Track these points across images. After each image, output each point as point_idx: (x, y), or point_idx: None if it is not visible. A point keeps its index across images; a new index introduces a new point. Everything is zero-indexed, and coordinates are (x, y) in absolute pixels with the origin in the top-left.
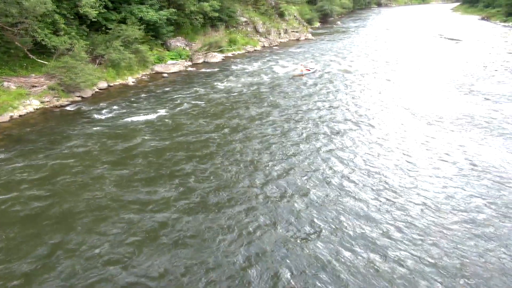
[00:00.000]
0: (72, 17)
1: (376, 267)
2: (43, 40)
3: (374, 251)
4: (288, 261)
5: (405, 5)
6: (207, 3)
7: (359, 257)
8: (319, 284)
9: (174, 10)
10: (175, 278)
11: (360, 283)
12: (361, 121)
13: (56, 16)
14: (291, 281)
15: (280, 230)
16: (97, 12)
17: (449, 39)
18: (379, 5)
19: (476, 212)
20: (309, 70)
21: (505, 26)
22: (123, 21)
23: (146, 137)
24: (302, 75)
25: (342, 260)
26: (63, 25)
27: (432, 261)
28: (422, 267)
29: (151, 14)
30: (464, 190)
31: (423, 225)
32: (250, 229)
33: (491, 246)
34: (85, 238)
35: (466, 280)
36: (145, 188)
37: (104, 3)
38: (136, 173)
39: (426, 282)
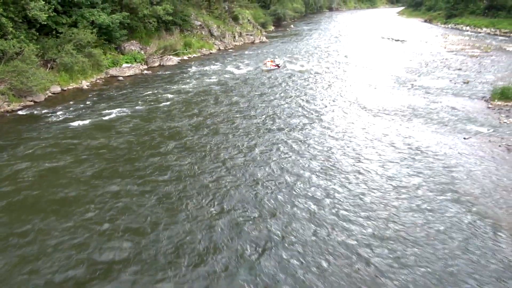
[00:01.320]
0: (21, 20)
1: (324, 237)
2: None
3: (321, 226)
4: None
5: (354, 9)
6: (160, 7)
7: (307, 232)
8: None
9: (127, 13)
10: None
11: (313, 254)
12: (312, 114)
13: (3, 20)
14: None
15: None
16: (46, 15)
17: (395, 40)
18: (330, 9)
19: (414, 188)
20: (275, 65)
21: (445, 27)
22: (74, 25)
23: (100, 137)
24: (270, 69)
25: (292, 235)
26: (11, 29)
27: (375, 231)
28: (366, 238)
29: (103, 18)
30: (404, 169)
31: (367, 201)
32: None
33: (427, 216)
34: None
35: (404, 246)
36: (100, 182)
37: (53, 6)
38: (90, 170)
39: (370, 250)
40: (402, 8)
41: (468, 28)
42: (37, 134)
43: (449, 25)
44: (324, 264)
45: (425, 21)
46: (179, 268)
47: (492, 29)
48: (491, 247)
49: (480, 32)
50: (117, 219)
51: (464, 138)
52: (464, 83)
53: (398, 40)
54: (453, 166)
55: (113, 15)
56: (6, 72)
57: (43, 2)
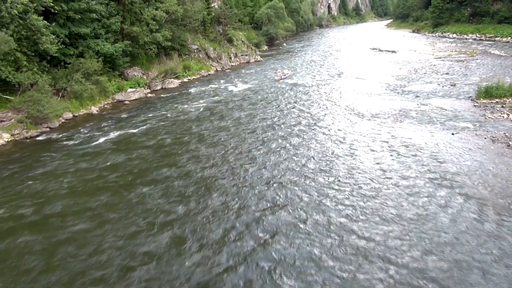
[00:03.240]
0: (33, 54)
1: (331, 220)
2: (7, 77)
3: (322, 212)
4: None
5: (344, 24)
6: (159, 34)
7: (317, 217)
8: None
9: (128, 42)
10: None
11: (323, 230)
12: (310, 121)
13: (18, 54)
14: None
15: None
16: (56, 48)
17: (384, 51)
18: (321, 26)
19: (405, 177)
20: (285, 75)
21: (433, 36)
22: (81, 55)
23: (115, 154)
24: (281, 79)
25: (299, 222)
26: (25, 62)
27: (374, 214)
28: (367, 217)
29: (107, 47)
30: (396, 162)
31: (364, 191)
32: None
33: (419, 199)
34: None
35: (399, 225)
36: (118, 192)
37: (62, 39)
38: (107, 182)
39: (369, 227)
40: (390, 20)
41: (454, 35)
42: (58, 155)
43: (436, 34)
44: (329, 240)
45: (413, 31)
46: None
47: (477, 35)
48: (478, 221)
49: (466, 39)
50: (134, 217)
51: (452, 134)
52: (451, 85)
53: (387, 51)
54: (442, 157)
55: (116, 44)
56: (23, 102)
57: (53, 36)
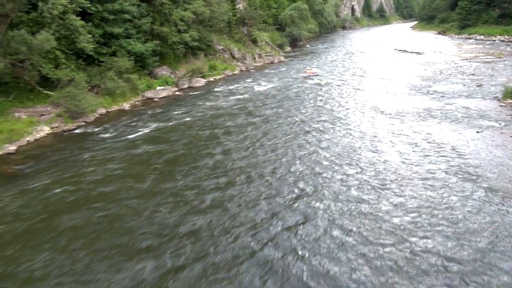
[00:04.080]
0: (70, 52)
1: (360, 208)
2: (48, 73)
3: (351, 201)
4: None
5: (367, 26)
6: (187, 34)
7: (346, 206)
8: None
9: (158, 42)
10: None
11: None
12: (335, 118)
13: (57, 52)
14: None
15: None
16: (92, 46)
17: (409, 52)
18: (344, 28)
19: (430, 171)
20: (313, 72)
21: (459, 38)
22: (113, 54)
23: (149, 145)
24: (310, 76)
25: (332, 210)
26: (63, 60)
27: (399, 204)
28: (390, 208)
29: (138, 47)
30: (420, 157)
31: (388, 182)
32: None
33: (443, 191)
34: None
35: (425, 213)
36: (152, 180)
37: (96, 38)
38: (144, 170)
39: (396, 217)
40: (415, 22)
41: (482, 37)
42: (96, 146)
43: (463, 35)
44: (356, 225)
45: (439, 33)
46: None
47: (506, 37)
48: (501, 212)
49: (494, 40)
50: (171, 197)
51: (477, 132)
52: (477, 86)
53: (412, 52)
54: (466, 153)
55: (146, 44)
56: (61, 97)
57: (89, 35)
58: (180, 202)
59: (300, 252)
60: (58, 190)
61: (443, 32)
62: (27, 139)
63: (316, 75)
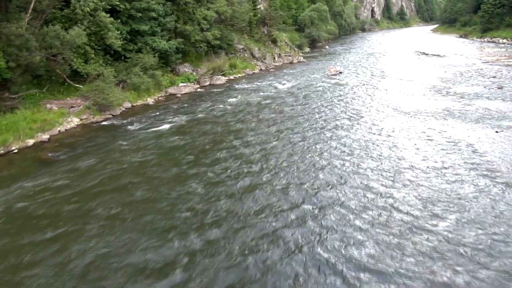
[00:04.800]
0: (99, 48)
1: (376, 199)
2: (78, 68)
3: (372, 192)
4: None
5: (387, 29)
6: (209, 33)
7: (365, 198)
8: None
9: (181, 40)
10: None
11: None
12: (355, 116)
13: (87, 48)
14: None
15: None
16: (120, 42)
17: (430, 54)
18: (363, 30)
19: (447, 167)
20: (337, 71)
21: (481, 41)
22: (139, 50)
23: (174, 137)
24: (334, 74)
25: (348, 201)
26: (92, 55)
27: (417, 196)
28: (409, 200)
29: (162, 44)
30: (438, 154)
31: (407, 176)
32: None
33: (460, 186)
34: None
35: (443, 206)
36: (181, 167)
37: (124, 35)
38: (172, 158)
39: (412, 208)
40: (436, 25)
41: (504, 40)
42: (123, 137)
43: (485, 39)
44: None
45: (461, 36)
46: None
47: None
48: None
49: None
50: (201, 181)
51: (496, 131)
52: (498, 88)
53: (433, 55)
54: (484, 152)
55: (170, 42)
56: (90, 91)
57: (118, 32)
58: (211, 186)
59: (330, 227)
60: (92, 175)
61: (464, 36)
62: (58, 129)
63: (340, 73)
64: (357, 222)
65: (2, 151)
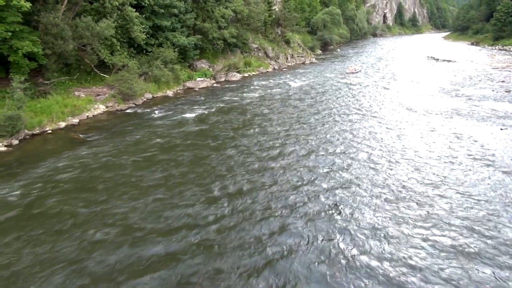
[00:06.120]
0: (124, 41)
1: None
2: (105, 58)
3: (386, 190)
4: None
5: (399, 35)
6: (227, 31)
7: (380, 198)
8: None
9: (199, 36)
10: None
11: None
12: (366, 112)
13: (114, 40)
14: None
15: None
16: (144, 36)
17: (441, 60)
18: (375, 35)
19: (454, 159)
20: (355, 70)
21: (492, 49)
22: (160, 45)
23: (193, 125)
24: (352, 72)
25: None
26: (118, 47)
27: (426, 184)
28: (415, 181)
29: (182, 40)
30: (445, 148)
31: (417, 168)
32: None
33: (465, 175)
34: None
35: (451, 193)
36: (199, 149)
37: (146, 30)
38: (193, 143)
39: (426, 194)
40: (448, 32)
41: None
42: (147, 123)
43: (497, 47)
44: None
45: (472, 43)
46: None
47: None
48: None
49: None
50: (224, 162)
51: (501, 129)
52: (506, 91)
53: (444, 60)
54: (488, 146)
55: (189, 38)
56: (115, 81)
57: (142, 26)
58: (233, 166)
59: (343, 210)
60: (123, 156)
61: (476, 43)
62: (87, 114)
63: (357, 72)
64: (368, 197)
65: (38, 131)
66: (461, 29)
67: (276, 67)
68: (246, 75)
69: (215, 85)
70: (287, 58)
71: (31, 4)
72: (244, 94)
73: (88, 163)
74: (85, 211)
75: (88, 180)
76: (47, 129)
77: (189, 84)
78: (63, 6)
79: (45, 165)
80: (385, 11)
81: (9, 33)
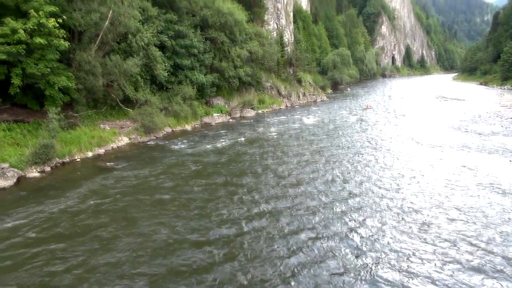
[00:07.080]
0: (147, 78)
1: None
2: (130, 94)
3: (397, 204)
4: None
5: (408, 76)
6: (242, 69)
7: (389, 217)
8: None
9: (216, 74)
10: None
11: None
12: (377, 147)
13: (138, 77)
14: None
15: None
16: (166, 74)
17: (450, 99)
18: (384, 76)
19: (462, 187)
20: (370, 105)
21: (501, 88)
22: (179, 82)
23: (211, 156)
24: (368, 107)
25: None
26: (141, 84)
27: (437, 209)
28: (425, 205)
29: (201, 78)
30: (454, 178)
31: (426, 193)
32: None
33: (474, 201)
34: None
35: (453, 211)
36: (220, 179)
37: (168, 68)
38: (212, 172)
39: (429, 212)
40: (456, 73)
41: None
42: (168, 154)
43: (505, 87)
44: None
45: (481, 84)
46: None
47: None
48: None
49: None
50: (240, 190)
51: (510, 161)
52: None
53: (452, 99)
54: (497, 175)
55: (207, 76)
56: (138, 114)
57: (165, 65)
58: (247, 195)
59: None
60: (148, 179)
61: (485, 83)
62: (112, 145)
63: (371, 108)
64: (383, 220)
65: (67, 160)
66: (469, 70)
67: (288, 105)
68: (260, 111)
69: (230, 120)
70: (299, 96)
71: (69, 43)
72: (259, 129)
73: (115, 187)
74: (114, 226)
75: (114, 201)
76: (76, 157)
77: (206, 119)
78: (95, 45)
79: (77, 189)
80: (394, 53)
81: (48, 69)
